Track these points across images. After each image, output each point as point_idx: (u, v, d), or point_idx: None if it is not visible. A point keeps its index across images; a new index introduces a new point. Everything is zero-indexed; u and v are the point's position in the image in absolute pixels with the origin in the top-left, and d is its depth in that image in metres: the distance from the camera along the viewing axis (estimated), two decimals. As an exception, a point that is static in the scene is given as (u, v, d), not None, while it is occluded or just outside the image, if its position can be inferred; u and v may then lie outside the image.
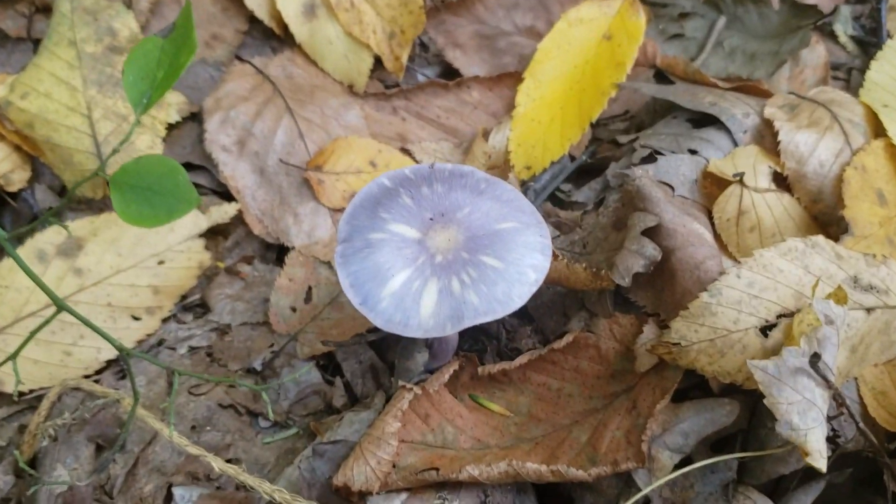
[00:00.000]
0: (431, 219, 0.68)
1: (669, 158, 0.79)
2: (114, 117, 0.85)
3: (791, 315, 0.70)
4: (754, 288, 0.70)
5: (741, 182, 0.77)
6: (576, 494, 0.73)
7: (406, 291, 0.65)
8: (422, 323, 0.64)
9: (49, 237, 0.82)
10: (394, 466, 0.69)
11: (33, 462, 0.74)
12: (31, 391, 0.78)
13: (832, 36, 1.00)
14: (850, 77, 0.97)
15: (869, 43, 0.99)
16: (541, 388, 0.78)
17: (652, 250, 0.73)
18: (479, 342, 0.82)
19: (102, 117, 0.85)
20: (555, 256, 0.75)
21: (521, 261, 0.66)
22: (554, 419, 0.76)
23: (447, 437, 0.74)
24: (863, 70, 0.94)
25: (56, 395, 0.75)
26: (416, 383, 0.73)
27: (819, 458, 0.62)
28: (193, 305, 0.84)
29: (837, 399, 0.66)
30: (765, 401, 0.63)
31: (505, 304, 0.64)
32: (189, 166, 0.88)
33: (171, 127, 0.89)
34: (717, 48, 0.98)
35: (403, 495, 0.69)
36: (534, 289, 0.66)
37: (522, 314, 0.84)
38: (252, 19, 0.96)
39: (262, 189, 0.86)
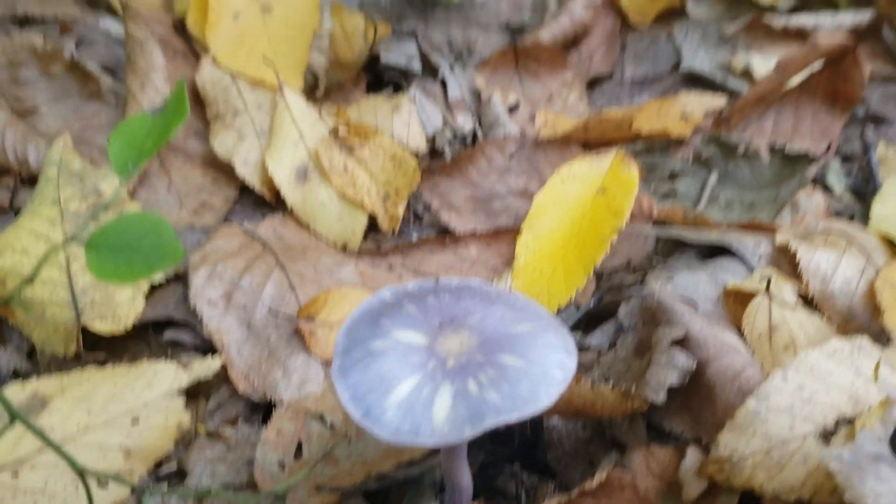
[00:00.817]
0: (440, 325, 0.61)
1: (687, 276, 0.75)
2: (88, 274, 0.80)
3: (851, 421, 0.62)
4: (805, 391, 0.63)
5: (768, 294, 0.72)
6: None
7: (415, 398, 0.57)
8: (435, 430, 0.55)
9: (12, 394, 0.73)
10: None
11: None
12: (-31, 572, 0.66)
13: (827, 189, 1.00)
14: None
15: (864, 192, 0.99)
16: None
17: (685, 359, 0.66)
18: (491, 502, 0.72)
19: (81, 270, 0.80)
20: (577, 380, 0.68)
21: (544, 359, 0.59)
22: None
23: None
24: (864, 216, 0.94)
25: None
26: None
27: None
28: (168, 474, 0.74)
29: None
30: (846, 496, 0.53)
31: (531, 402, 0.56)
32: (172, 323, 0.82)
33: (154, 288, 0.83)
34: (713, 202, 0.97)
35: None
36: (562, 388, 0.58)
37: (542, 468, 0.75)
38: (243, 188, 0.95)
39: (248, 343, 0.79)
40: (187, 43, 1.05)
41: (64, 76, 1.00)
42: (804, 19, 1.16)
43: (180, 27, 1.07)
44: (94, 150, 0.95)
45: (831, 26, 1.15)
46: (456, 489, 0.67)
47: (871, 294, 0.76)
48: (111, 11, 1.14)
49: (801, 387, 0.63)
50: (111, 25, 1.11)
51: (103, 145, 0.96)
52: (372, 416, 0.57)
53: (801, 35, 1.14)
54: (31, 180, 0.92)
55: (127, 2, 1.01)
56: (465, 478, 0.67)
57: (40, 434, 0.54)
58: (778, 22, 1.15)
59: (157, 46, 0.97)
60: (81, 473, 0.55)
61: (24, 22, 1.09)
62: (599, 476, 0.67)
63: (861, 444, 0.54)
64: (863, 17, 1.16)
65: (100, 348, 0.80)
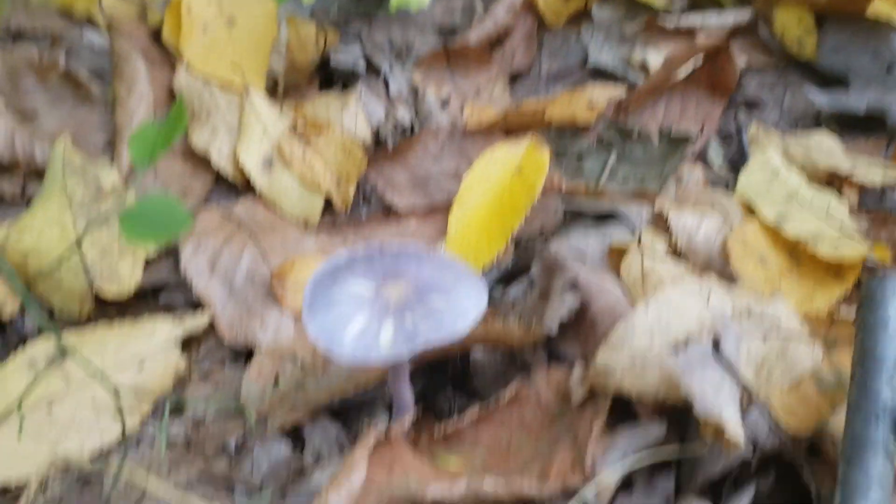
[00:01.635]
0: (384, 278, 0.80)
1: (580, 237, 0.95)
2: (99, 247, 0.97)
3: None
4: (662, 318, 0.82)
5: (639, 246, 0.92)
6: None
7: (366, 331, 0.76)
8: (381, 352, 0.74)
9: (40, 348, 0.90)
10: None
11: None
12: (17, 486, 0.83)
13: (707, 164, 1.20)
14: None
15: (738, 165, 1.19)
16: (491, 444, 0.86)
17: (572, 300, 0.86)
18: (432, 420, 0.91)
19: (90, 246, 0.97)
20: (493, 319, 0.87)
21: (462, 300, 0.78)
22: (506, 467, 0.83)
23: (411, 485, 0.80)
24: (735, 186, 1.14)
25: (44, 473, 0.80)
26: (379, 433, 0.81)
27: (736, 433, 0.72)
28: (169, 409, 0.92)
29: (747, 392, 0.77)
30: (682, 391, 0.73)
31: (451, 329, 0.75)
32: (166, 288, 0.99)
33: (149, 261, 1.01)
34: (612, 178, 1.17)
35: (380, 526, 0.75)
36: (474, 321, 0.77)
37: (470, 392, 0.94)
38: (218, 176, 1.12)
39: (231, 301, 0.97)
40: (163, 52, 1.21)
41: (58, 84, 1.16)
42: (692, 19, 1.35)
43: (156, 37, 1.24)
44: (90, 147, 1.12)
45: (716, 25, 1.35)
46: (402, 405, 0.86)
47: (725, 246, 0.96)
48: (92, 23, 1.30)
49: (659, 314, 0.82)
50: (94, 38, 1.27)
51: (97, 143, 1.13)
52: (334, 345, 0.75)
53: (689, 33, 1.33)
54: (38, 175, 1.08)
55: (110, 17, 1.18)
56: (408, 396, 0.86)
57: (85, 363, 0.72)
58: (670, 22, 1.35)
59: (139, 56, 1.14)
60: (116, 392, 0.72)
61: (17, 36, 1.25)
62: (510, 391, 0.87)
63: (692, 349, 0.75)
64: (743, 15, 1.36)
65: (108, 310, 0.97)
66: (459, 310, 0.77)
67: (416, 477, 0.80)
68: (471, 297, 0.78)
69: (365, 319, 0.76)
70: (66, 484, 0.80)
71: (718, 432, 0.73)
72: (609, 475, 0.78)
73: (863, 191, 1.15)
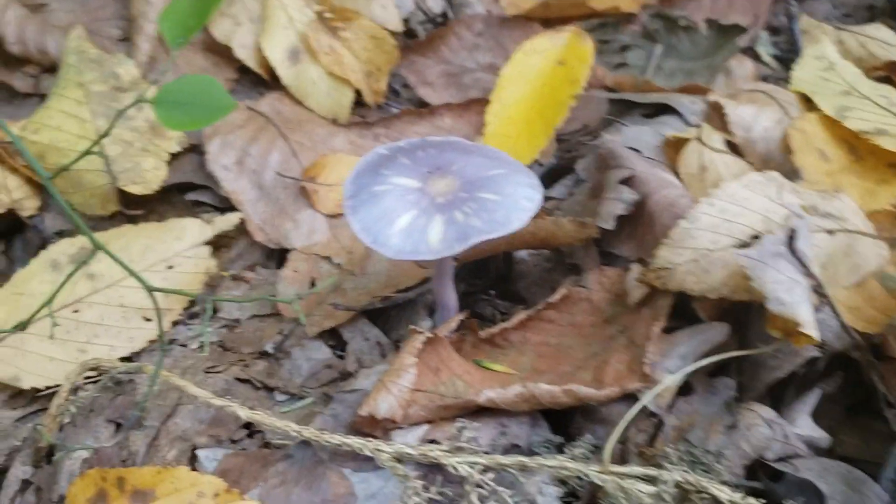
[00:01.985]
0: (429, 172, 0.75)
1: (632, 129, 0.89)
2: (120, 143, 0.92)
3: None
4: (727, 214, 0.77)
5: (700, 140, 0.87)
6: (587, 429, 0.75)
7: (413, 227, 0.71)
8: (431, 248, 0.70)
9: (62, 248, 0.86)
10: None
11: (51, 449, 0.75)
12: (48, 388, 0.79)
13: (756, 57, 1.13)
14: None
15: (787, 59, 1.12)
16: (540, 346, 0.82)
17: (629, 194, 0.81)
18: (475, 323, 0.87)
19: (111, 142, 0.91)
20: (541, 215, 0.82)
21: (515, 193, 0.73)
22: (556, 370, 0.79)
23: (458, 389, 0.76)
24: (787, 79, 1.07)
25: (76, 375, 0.76)
26: (425, 334, 0.77)
27: (812, 328, 0.67)
28: (201, 311, 0.88)
29: (818, 290, 0.72)
30: (753, 285, 0.69)
31: (505, 224, 0.70)
32: (192, 186, 0.94)
33: (173, 157, 0.95)
34: (659, 71, 1.10)
35: (425, 427, 0.72)
36: (530, 214, 0.72)
37: (514, 295, 0.90)
38: (241, 69, 1.06)
39: (261, 201, 0.92)
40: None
41: (67, -28, 1.09)
42: None
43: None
44: (104, 40, 1.05)
45: None
46: (445, 307, 0.81)
47: (785, 139, 0.90)
48: None
49: (724, 210, 0.77)
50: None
51: (112, 36, 1.06)
52: (380, 241, 0.70)
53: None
54: (51, 68, 1.02)
55: None
56: (452, 298, 0.82)
57: (118, 260, 0.67)
58: None
59: (153, -59, 1.06)
60: (150, 290, 0.68)
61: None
62: (561, 291, 0.82)
63: (765, 244, 0.70)
64: None
65: (130, 209, 0.92)
66: (513, 204, 0.72)
67: (463, 380, 0.76)
68: (525, 191, 0.73)
69: (412, 214, 0.71)
70: (97, 387, 0.77)
71: (790, 330, 0.69)
72: (669, 379, 0.74)
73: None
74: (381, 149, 0.78)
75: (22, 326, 0.68)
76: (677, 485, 0.65)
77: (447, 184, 0.73)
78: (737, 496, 0.65)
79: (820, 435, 0.71)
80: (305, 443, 0.71)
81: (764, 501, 0.63)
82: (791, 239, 0.70)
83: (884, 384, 0.75)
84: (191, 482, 0.67)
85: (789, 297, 0.68)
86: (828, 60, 1.04)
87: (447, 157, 0.75)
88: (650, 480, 0.66)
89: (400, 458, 0.68)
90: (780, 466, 0.70)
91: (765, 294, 0.68)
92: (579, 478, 0.67)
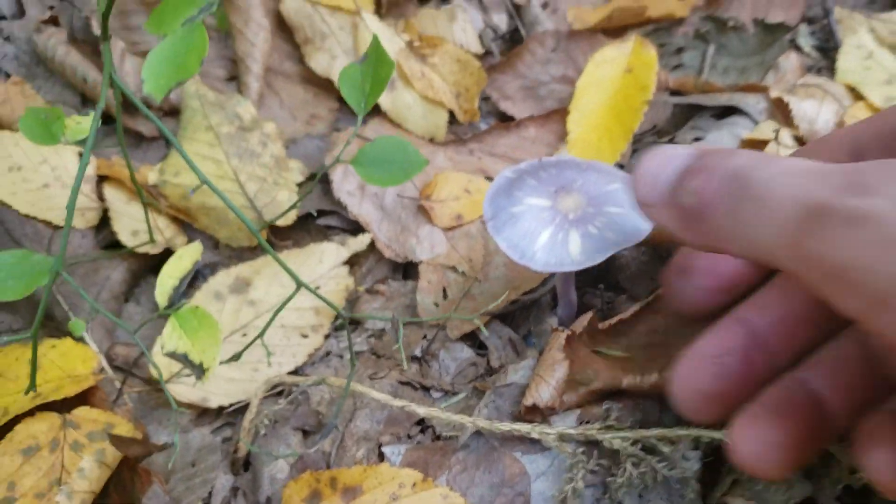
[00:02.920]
0: (555, 191, 0.86)
1: (713, 135, 1.00)
2: (256, 179, 1.02)
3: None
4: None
5: (777, 140, 0.98)
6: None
7: (554, 242, 0.82)
8: (574, 260, 0.81)
9: (220, 280, 0.97)
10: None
11: (247, 460, 0.86)
12: (231, 405, 0.91)
13: (798, 49, 1.24)
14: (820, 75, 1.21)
15: (827, 49, 1.23)
16: (650, 332, 0.93)
17: (724, 194, 0.92)
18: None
19: (248, 180, 1.02)
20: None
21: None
22: (668, 354, 0.91)
23: (589, 375, 0.88)
24: (830, 69, 1.19)
25: (263, 392, 0.88)
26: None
27: None
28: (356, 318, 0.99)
29: None
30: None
31: (636, 235, 0.82)
32: (321, 212, 1.05)
33: (298, 186, 1.06)
34: (713, 70, 1.21)
35: (577, 411, 0.84)
36: (652, 225, 0.83)
37: (616, 286, 1.01)
38: (341, 99, 1.16)
39: (385, 221, 1.03)
40: (263, -22, 1.23)
41: (168, 19, 1.18)
42: None
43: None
44: (214, 81, 1.15)
45: None
46: (569, 304, 0.93)
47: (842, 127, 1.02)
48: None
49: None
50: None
51: (218, 75, 1.16)
52: (527, 256, 0.81)
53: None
54: (170, 112, 1.12)
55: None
56: (574, 295, 0.93)
57: (296, 278, 0.78)
58: None
59: (249, -14, 1.16)
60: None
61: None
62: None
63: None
64: None
65: (272, 239, 1.03)
66: (635, 214, 0.83)
67: (593, 368, 0.88)
68: (643, 201, 0.84)
69: (550, 231, 0.82)
70: (286, 400, 0.88)
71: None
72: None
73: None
74: (507, 172, 0.88)
75: (237, 357, 0.78)
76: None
77: (574, 200, 0.84)
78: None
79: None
80: (478, 433, 0.82)
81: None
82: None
83: None
84: (391, 476, 0.79)
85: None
86: (867, 49, 1.16)
87: (567, 175, 0.86)
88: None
89: (563, 439, 0.80)
90: None
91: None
92: (711, 440, 0.79)
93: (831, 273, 0.50)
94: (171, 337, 0.67)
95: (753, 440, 0.66)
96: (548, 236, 0.83)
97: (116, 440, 0.77)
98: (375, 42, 0.76)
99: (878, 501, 0.79)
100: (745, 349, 0.71)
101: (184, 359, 0.66)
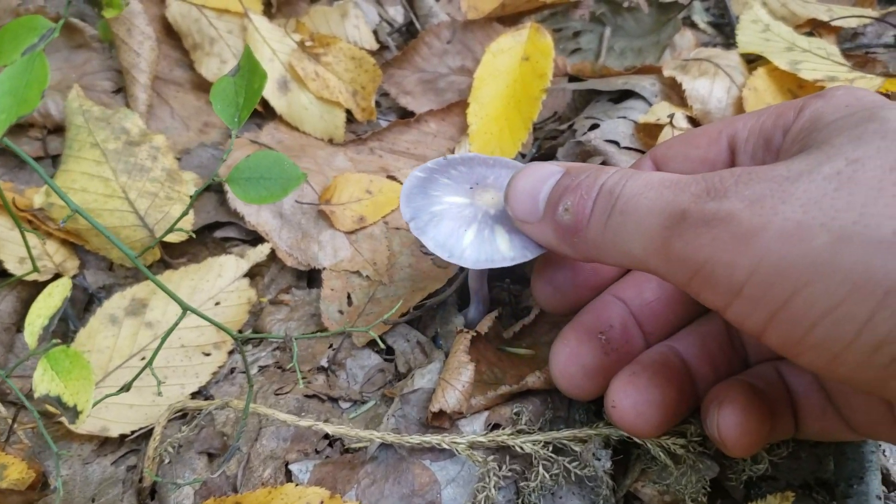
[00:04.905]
0: (471, 188, 0.84)
1: (609, 123, 1.00)
2: (147, 195, 0.99)
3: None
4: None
5: (671, 123, 0.98)
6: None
7: (481, 239, 0.80)
8: (505, 255, 0.79)
9: (116, 303, 0.93)
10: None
11: (153, 489, 0.84)
12: (133, 433, 0.88)
13: (693, 25, 1.25)
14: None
15: (721, 24, 1.24)
16: (553, 329, 0.93)
17: (620, 182, 0.92)
18: (495, 307, 0.98)
19: (138, 196, 0.98)
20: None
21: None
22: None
23: (497, 375, 0.88)
24: (725, 45, 1.20)
25: (166, 419, 0.85)
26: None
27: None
28: (248, 340, 0.96)
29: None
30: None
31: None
32: (217, 224, 1.02)
33: (191, 198, 1.02)
34: (610, 52, 1.21)
35: (485, 413, 0.83)
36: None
37: (522, 279, 1.01)
38: (234, 104, 1.12)
39: (285, 229, 1.01)
40: (145, -18, 1.18)
41: (47, 31, 1.13)
42: None
43: (130, -33, 1.20)
44: (99, 94, 1.10)
45: None
46: (483, 300, 0.92)
47: (738, 102, 1.03)
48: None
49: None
50: (63, -26, 1.22)
51: (104, 87, 1.12)
52: (455, 254, 0.79)
53: None
54: (55, 130, 1.07)
55: (83, -47, 1.13)
56: (486, 291, 0.92)
57: (181, 303, 0.75)
58: None
59: (128, -7, 1.11)
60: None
61: (-15, -17, 1.19)
62: (572, 275, 0.93)
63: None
64: None
65: (170, 256, 1.00)
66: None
67: (499, 367, 0.88)
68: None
69: (475, 228, 0.81)
70: (182, 425, 0.85)
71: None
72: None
73: (838, 34, 1.22)
74: (417, 172, 0.87)
75: (127, 388, 0.75)
76: (700, 435, 0.78)
77: (491, 196, 0.83)
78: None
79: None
80: (386, 445, 0.81)
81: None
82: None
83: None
84: (298, 495, 0.77)
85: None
86: (763, 23, 1.17)
87: (479, 171, 0.85)
88: (681, 434, 0.79)
89: (473, 447, 0.79)
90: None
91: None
92: (624, 440, 0.79)
93: (695, 271, 0.54)
94: (43, 379, 0.64)
95: (633, 396, 0.70)
96: (474, 233, 0.81)
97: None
98: (247, 53, 0.73)
99: (788, 476, 0.80)
100: (623, 325, 0.75)
101: (57, 402, 0.63)
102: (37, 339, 0.68)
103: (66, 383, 0.64)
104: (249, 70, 0.72)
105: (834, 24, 1.21)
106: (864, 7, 1.24)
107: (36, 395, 0.64)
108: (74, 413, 0.63)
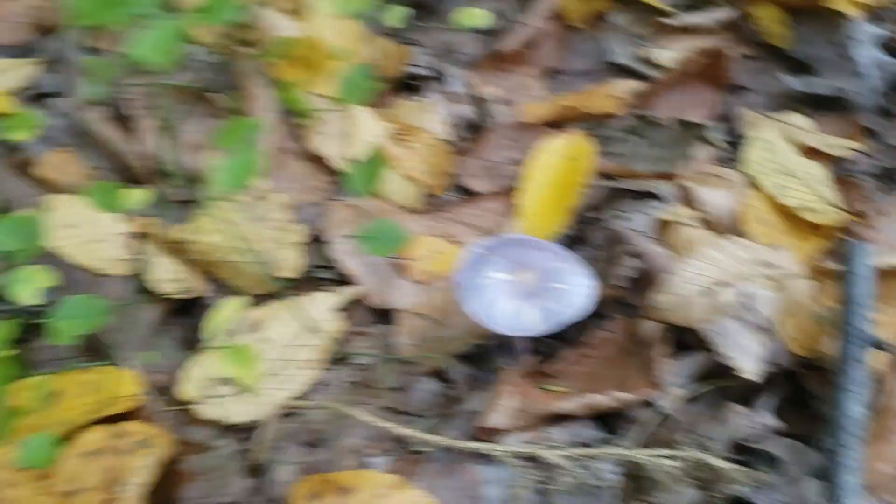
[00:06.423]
0: (515, 266, 1.11)
1: (633, 216, 1.27)
2: (266, 240, 1.26)
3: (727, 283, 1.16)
4: (698, 269, 1.16)
5: (680, 222, 1.25)
6: (622, 427, 1.12)
7: (515, 311, 1.08)
8: (534, 327, 1.07)
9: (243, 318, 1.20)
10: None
11: (260, 467, 1.09)
12: (247, 423, 1.13)
13: (710, 143, 1.52)
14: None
15: (736, 142, 1.51)
16: (583, 375, 1.18)
17: (634, 262, 1.19)
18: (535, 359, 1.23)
19: (256, 242, 1.25)
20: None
21: (578, 283, 1.10)
22: (599, 390, 1.16)
23: (537, 406, 1.13)
24: (735, 160, 1.46)
25: (275, 413, 1.11)
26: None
27: (752, 374, 1.06)
28: (338, 360, 1.22)
29: (769, 327, 1.11)
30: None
31: (575, 309, 1.08)
32: (315, 266, 1.29)
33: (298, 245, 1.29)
34: (637, 157, 1.48)
35: (523, 433, 1.08)
36: (591, 299, 1.09)
37: (557, 337, 1.26)
38: (332, 173, 1.40)
39: (372, 276, 1.27)
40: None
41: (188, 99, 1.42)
42: (689, 18, 1.65)
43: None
44: (230, 155, 1.38)
45: (710, 21, 1.64)
46: (520, 351, 1.18)
47: (741, 214, 1.30)
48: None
49: (697, 266, 1.16)
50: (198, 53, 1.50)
51: (233, 151, 1.39)
52: (492, 322, 1.07)
53: (688, 30, 1.63)
54: (193, 179, 1.34)
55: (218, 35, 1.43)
56: (523, 345, 1.18)
57: (299, 315, 1.01)
58: (673, 21, 1.64)
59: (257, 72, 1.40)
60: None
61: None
62: (594, 336, 1.19)
63: (721, 293, 1.08)
64: (731, 12, 1.66)
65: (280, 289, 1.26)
66: (578, 290, 1.09)
67: (537, 400, 1.13)
68: (584, 280, 1.11)
69: (512, 302, 1.08)
70: (294, 421, 1.11)
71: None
72: (674, 389, 1.12)
73: (830, 161, 1.48)
74: (476, 248, 1.13)
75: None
76: (692, 459, 1.03)
77: (530, 276, 1.10)
78: (725, 464, 1.03)
79: (777, 423, 1.10)
80: (443, 449, 1.07)
81: (742, 467, 1.02)
82: (743, 289, 1.09)
83: (814, 387, 1.14)
84: (376, 480, 1.03)
85: (734, 341, 1.08)
86: (769, 144, 1.44)
87: (524, 252, 1.11)
88: (672, 458, 1.04)
89: (512, 454, 1.05)
90: (752, 444, 1.08)
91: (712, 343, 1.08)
92: (630, 461, 1.04)
93: None
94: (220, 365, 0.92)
95: None
96: (512, 306, 1.08)
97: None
98: (377, 153, 1.01)
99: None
100: None
101: (231, 382, 0.91)
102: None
103: (239, 368, 0.91)
104: (374, 160, 1.00)
105: (824, 152, 1.47)
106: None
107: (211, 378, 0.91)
108: (246, 388, 0.90)
